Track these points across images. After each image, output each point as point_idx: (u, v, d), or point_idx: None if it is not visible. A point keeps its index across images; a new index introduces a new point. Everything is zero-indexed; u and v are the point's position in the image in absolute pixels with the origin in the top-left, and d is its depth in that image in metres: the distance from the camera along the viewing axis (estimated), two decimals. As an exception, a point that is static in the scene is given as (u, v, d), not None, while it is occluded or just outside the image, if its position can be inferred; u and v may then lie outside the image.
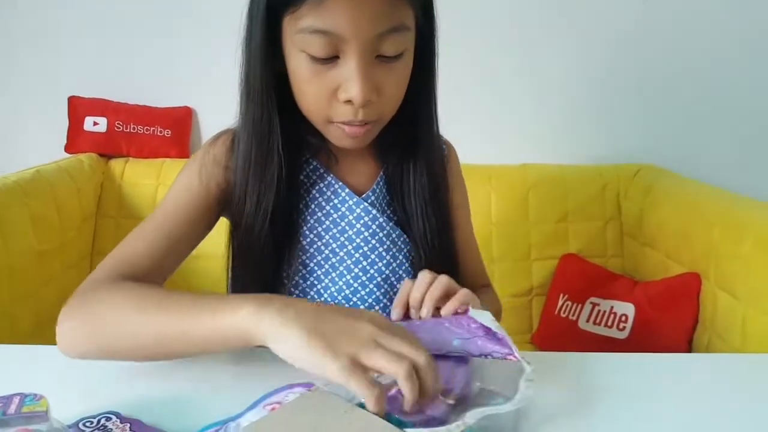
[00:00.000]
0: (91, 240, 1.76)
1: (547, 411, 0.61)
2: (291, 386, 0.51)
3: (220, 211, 0.82)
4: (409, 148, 0.85)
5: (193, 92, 1.92)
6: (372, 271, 0.83)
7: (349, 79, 0.68)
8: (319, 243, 0.82)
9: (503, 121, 1.92)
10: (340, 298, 0.81)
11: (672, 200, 1.62)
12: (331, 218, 0.83)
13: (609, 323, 1.57)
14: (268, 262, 0.79)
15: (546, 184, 1.80)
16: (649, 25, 1.89)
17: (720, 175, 1.83)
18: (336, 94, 0.70)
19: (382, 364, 0.50)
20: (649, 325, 1.51)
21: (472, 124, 1.81)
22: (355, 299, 0.82)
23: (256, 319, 0.54)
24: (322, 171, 0.84)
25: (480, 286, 1.00)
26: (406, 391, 0.49)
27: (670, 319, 1.48)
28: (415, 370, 0.50)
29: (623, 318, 1.55)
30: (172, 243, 0.75)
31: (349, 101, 0.69)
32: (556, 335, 1.66)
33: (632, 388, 0.66)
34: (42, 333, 1.42)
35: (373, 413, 0.48)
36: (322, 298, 0.81)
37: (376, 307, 0.83)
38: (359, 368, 0.50)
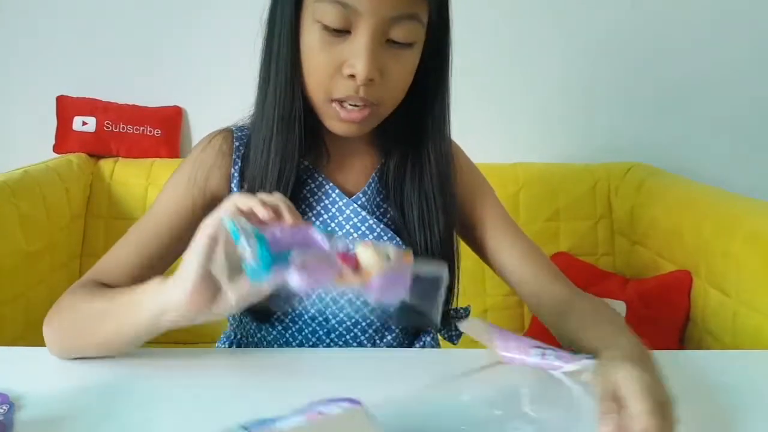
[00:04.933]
0: (80, 240, 1.74)
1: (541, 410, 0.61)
2: (338, 400, 0.50)
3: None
4: (413, 150, 0.83)
5: (184, 91, 1.91)
6: None
7: (356, 54, 0.70)
8: None
9: (493, 120, 1.92)
10: (327, 299, 0.81)
11: (663, 198, 1.62)
12: (321, 219, 0.82)
13: (601, 321, 1.57)
14: None
15: (536, 183, 1.80)
16: (638, 25, 1.89)
17: (710, 172, 1.84)
18: (341, 69, 0.71)
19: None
20: (640, 322, 1.52)
21: (462, 123, 1.81)
22: (342, 301, 0.81)
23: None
24: (312, 170, 0.83)
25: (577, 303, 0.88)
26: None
27: (662, 317, 1.48)
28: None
29: (615, 316, 1.55)
30: (151, 259, 0.78)
31: (352, 76, 0.71)
32: (547, 333, 1.66)
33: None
34: (31, 334, 1.41)
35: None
36: (310, 300, 0.80)
37: (365, 310, 0.82)
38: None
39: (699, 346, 1.42)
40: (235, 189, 0.81)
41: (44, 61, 1.87)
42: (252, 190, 0.77)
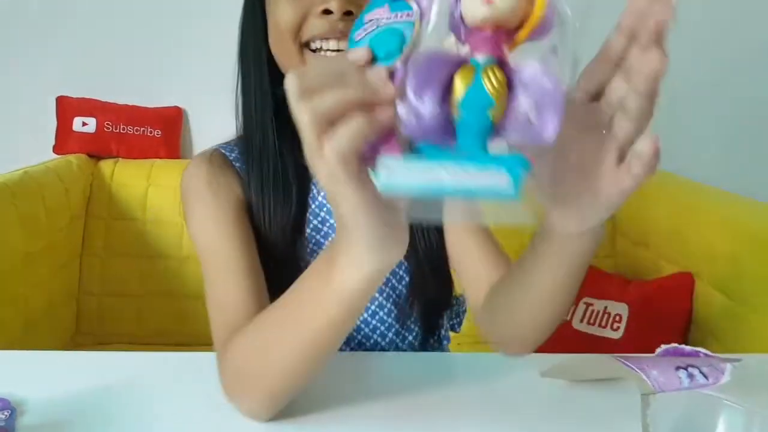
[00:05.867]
0: (80, 242, 1.74)
1: (544, 410, 0.60)
2: None
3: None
4: None
5: (184, 92, 1.91)
6: None
7: None
8: (319, 246, 0.80)
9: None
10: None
11: (665, 199, 1.62)
12: (328, 223, 0.81)
13: (603, 323, 1.57)
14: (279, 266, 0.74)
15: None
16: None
17: (712, 173, 1.83)
18: (312, 9, 0.66)
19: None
20: (643, 324, 1.51)
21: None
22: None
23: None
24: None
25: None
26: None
27: (664, 319, 1.47)
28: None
29: (617, 318, 1.55)
30: (250, 277, 0.68)
31: (326, 12, 0.64)
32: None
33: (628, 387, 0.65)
34: (30, 336, 1.41)
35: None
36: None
37: (380, 312, 0.81)
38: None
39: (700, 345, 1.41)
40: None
41: (44, 61, 1.87)
42: (260, 206, 0.73)
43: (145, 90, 1.89)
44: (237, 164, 0.77)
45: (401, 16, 0.40)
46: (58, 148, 1.84)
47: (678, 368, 0.64)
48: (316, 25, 0.66)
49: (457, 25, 0.37)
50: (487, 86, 0.35)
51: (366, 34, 0.42)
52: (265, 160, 0.74)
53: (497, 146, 0.36)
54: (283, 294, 0.55)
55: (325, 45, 0.67)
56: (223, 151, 0.78)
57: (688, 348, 0.74)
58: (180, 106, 1.91)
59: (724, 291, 1.34)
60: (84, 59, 1.87)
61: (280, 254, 0.73)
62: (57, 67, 1.87)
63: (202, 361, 0.68)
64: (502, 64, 0.36)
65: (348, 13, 0.65)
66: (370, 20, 0.42)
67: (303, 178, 0.76)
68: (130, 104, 1.88)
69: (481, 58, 0.36)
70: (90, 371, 0.68)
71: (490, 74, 0.35)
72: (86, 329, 1.73)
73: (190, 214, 0.75)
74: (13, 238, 1.40)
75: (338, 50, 0.66)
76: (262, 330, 0.57)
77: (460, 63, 0.36)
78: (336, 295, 0.48)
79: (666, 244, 1.58)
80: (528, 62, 0.35)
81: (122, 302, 1.73)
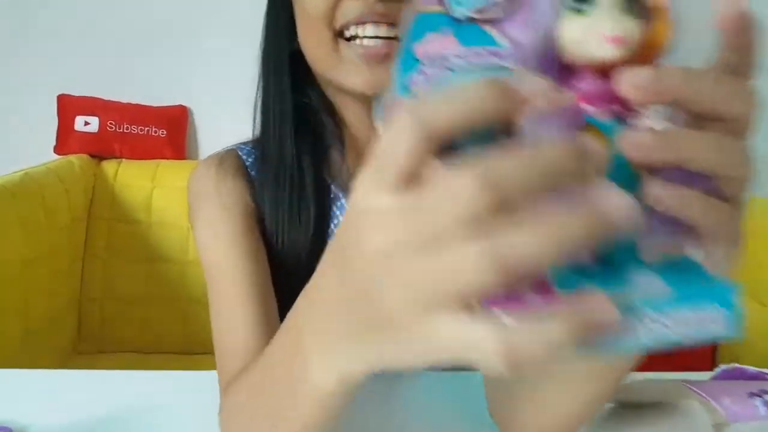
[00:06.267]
0: (82, 245, 1.69)
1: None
2: None
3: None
4: None
5: (189, 90, 1.86)
6: None
7: None
8: None
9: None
10: None
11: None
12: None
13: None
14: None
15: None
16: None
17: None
18: None
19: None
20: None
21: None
22: None
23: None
24: (341, 197, 0.70)
25: None
26: None
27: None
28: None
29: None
30: (260, 305, 0.60)
31: None
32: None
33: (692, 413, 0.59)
34: (30, 344, 1.37)
35: None
36: None
37: None
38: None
39: (732, 355, 1.36)
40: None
41: (45, 58, 1.82)
42: (274, 226, 0.65)
43: (149, 88, 1.84)
44: (253, 171, 0.69)
45: (484, 55, 0.26)
46: (59, 149, 1.80)
47: (752, 395, 0.57)
48: (350, 8, 0.57)
49: (549, 62, 0.26)
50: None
51: (429, 82, 0.27)
52: (282, 176, 0.65)
53: (653, 252, 0.25)
54: (262, 355, 0.43)
55: (360, 31, 0.58)
56: (239, 153, 0.71)
57: (751, 369, 0.67)
58: (185, 104, 1.87)
59: (759, 300, 1.28)
60: (86, 56, 1.83)
61: (294, 275, 0.60)
62: (58, 64, 1.83)
63: (207, 380, 0.63)
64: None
65: None
66: (430, 58, 0.27)
67: (322, 199, 0.67)
68: (134, 103, 1.84)
69: (606, 117, 0.25)
70: (92, 391, 0.65)
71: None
72: (88, 336, 1.68)
73: (196, 224, 0.67)
74: (13, 242, 1.37)
75: (376, 37, 0.57)
76: (249, 398, 0.46)
77: (575, 121, 0.25)
78: (310, 399, 0.36)
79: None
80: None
81: (125, 308, 1.68)
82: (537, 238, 0.22)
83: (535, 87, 0.23)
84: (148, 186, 1.73)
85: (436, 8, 0.27)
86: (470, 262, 0.22)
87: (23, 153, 1.73)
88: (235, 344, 0.58)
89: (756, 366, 1.26)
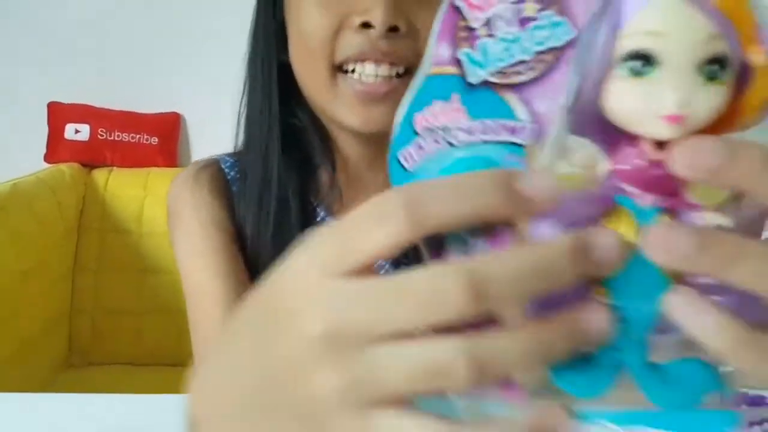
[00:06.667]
0: (72, 257, 1.67)
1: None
2: None
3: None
4: None
5: (182, 97, 1.85)
6: None
7: None
8: None
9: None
10: None
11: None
12: None
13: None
14: None
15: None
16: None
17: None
18: (348, 20, 0.53)
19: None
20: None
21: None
22: None
23: None
24: (317, 208, 0.67)
25: None
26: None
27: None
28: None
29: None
30: None
31: (365, 25, 0.52)
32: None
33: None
34: (21, 359, 1.35)
35: None
36: None
37: None
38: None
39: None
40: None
41: (35, 65, 1.80)
42: (256, 254, 0.62)
43: (141, 95, 1.82)
44: (235, 187, 0.66)
45: (495, 129, 0.23)
46: (49, 157, 1.78)
47: (752, 424, 0.56)
48: (352, 43, 0.54)
49: (587, 117, 0.22)
50: None
51: (425, 161, 0.24)
52: (266, 199, 0.62)
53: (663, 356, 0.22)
54: None
55: (360, 68, 0.54)
56: (222, 165, 0.67)
57: (751, 393, 0.66)
58: (178, 111, 1.85)
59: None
60: (77, 63, 1.81)
61: None
62: (48, 71, 1.80)
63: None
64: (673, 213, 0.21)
65: (393, 29, 0.52)
66: (429, 128, 0.23)
67: (308, 225, 0.63)
68: (125, 110, 1.82)
69: (647, 201, 0.21)
70: (77, 416, 0.63)
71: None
72: (79, 348, 1.65)
73: (175, 242, 0.65)
74: (4, 255, 1.35)
75: (376, 76, 0.54)
76: None
77: (602, 203, 0.22)
78: None
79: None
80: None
81: (117, 320, 1.65)
82: (518, 345, 0.21)
83: (547, 191, 0.21)
84: (140, 195, 1.70)
85: (450, 70, 0.23)
86: (444, 360, 0.20)
87: (13, 161, 1.71)
88: None
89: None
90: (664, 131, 0.20)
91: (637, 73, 0.20)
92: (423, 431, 0.21)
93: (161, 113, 1.83)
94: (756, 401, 0.62)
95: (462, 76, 0.23)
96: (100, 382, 1.55)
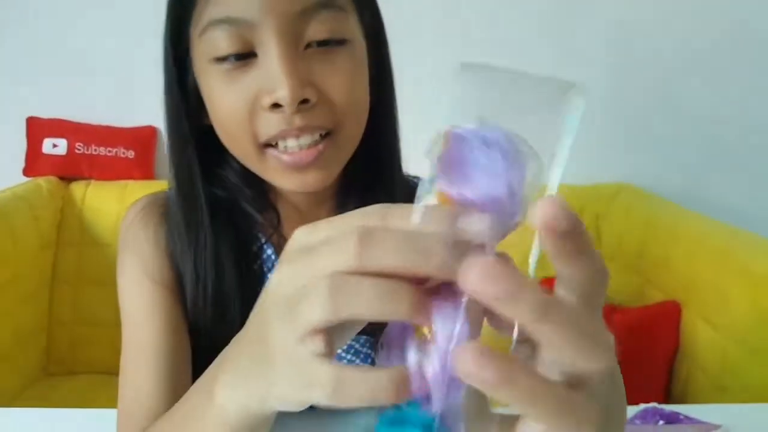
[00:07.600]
0: (50, 269, 1.68)
1: None
2: None
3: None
4: (373, 196, 0.63)
5: (158, 111, 1.77)
6: None
7: (270, 75, 0.52)
8: None
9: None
10: None
11: (652, 224, 1.58)
12: None
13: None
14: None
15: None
16: (626, 45, 1.85)
17: (699, 194, 1.80)
18: (259, 101, 0.53)
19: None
20: (628, 353, 1.47)
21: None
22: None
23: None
24: (274, 258, 0.67)
25: None
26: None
27: (650, 348, 1.44)
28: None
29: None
30: (170, 364, 0.59)
31: (276, 105, 0.52)
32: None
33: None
34: None
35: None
36: None
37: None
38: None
39: (687, 381, 1.38)
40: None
41: (13, 80, 1.81)
42: (194, 312, 0.61)
43: (117, 109, 1.83)
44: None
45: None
46: (28, 171, 1.79)
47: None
48: (269, 124, 0.54)
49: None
50: None
51: None
52: (201, 252, 0.60)
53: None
54: (174, 406, 0.44)
55: (282, 143, 0.55)
56: (161, 202, 0.65)
57: (667, 409, 0.70)
58: (154, 125, 1.85)
59: (712, 323, 1.30)
60: (54, 79, 1.81)
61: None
62: (26, 86, 1.81)
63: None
64: None
65: (304, 102, 0.52)
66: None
67: (245, 284, 0.62)
68: (102, 124, 1.83)
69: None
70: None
71: None
72: (58, 358, 1.68)
73: (120, 269, 0.64)
74: None
75: (300, 147, 0.54)
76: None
77: None
78: (214, 426, 0.36)
79: (653, 270, 1.54)
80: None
81: (95, 331, 1.68)
82: (370, 292, 0.27)
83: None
84: (117, 208, 1.71)
85: None
86: (317, 295, 0.27)
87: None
88: (140, 387, 0.58)
89: (708, 386, 1.28)
90: None
91: None
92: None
93: (138, 127, 1.84)
94: (672, 416, 0.65)
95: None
96: (78, 391, 1.58)
